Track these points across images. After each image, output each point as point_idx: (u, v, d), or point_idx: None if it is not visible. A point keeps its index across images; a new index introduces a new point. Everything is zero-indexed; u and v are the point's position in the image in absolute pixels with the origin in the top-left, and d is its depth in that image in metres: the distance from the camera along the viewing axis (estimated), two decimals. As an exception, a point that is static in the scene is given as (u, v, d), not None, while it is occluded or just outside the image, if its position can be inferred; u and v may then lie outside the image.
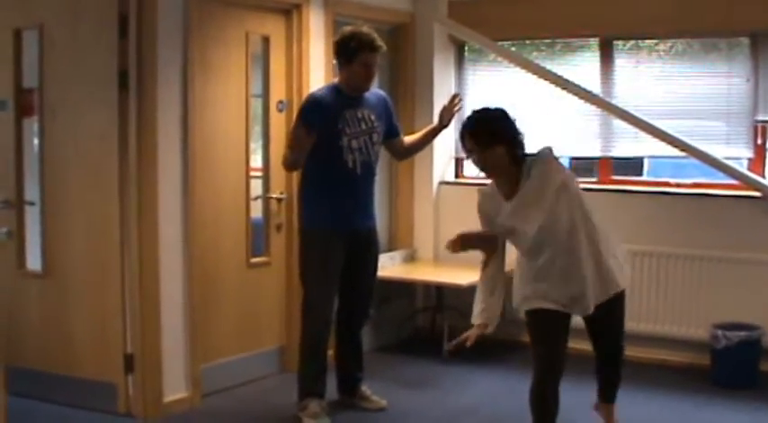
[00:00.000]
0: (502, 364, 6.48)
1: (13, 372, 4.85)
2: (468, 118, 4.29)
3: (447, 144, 7.14)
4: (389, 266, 6.84)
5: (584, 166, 7.47)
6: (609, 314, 4.33)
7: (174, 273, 5.43)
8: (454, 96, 5.48)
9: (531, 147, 4.23)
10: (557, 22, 6.81)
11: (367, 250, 5.47)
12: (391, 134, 5.52)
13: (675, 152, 6.36)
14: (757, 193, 6.15)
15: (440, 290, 6.89)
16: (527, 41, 7.11)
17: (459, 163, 7.40)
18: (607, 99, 6.65)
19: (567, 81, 6.64)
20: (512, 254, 4.36)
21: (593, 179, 6.94)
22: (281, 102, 6.14)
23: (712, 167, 6.30)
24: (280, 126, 6.11)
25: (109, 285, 5.31)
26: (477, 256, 4.38)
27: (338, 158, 5.19)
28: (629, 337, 4.67)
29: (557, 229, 4.09)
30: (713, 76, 6.43)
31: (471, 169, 4.32)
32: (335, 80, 5.42)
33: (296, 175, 5.66)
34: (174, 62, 5.35)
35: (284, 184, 6.09)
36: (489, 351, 6.58)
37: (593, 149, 6.89)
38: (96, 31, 5.23)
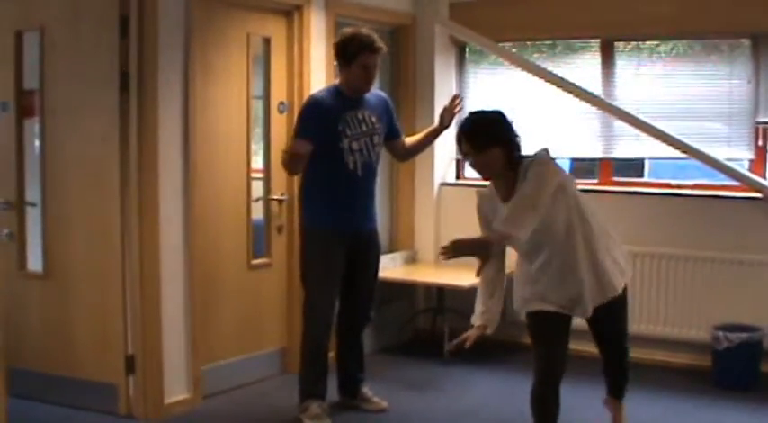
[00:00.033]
0: (503, 365, 6.48)
1: (13, 373, 4.85)
2: (465, 120, 4.29)
3: (448, 145, 7.13)
4: (390, 268, 6.84)
5: (585, 167, 7.47)
6: (609, 316, 4.32)
7: (175, 274, 5.43)
8: (455, 97, 5.48)
9: (531, 148, 4.22)
10: (558, 24, 6.81)
11: (368, 251, 5.47)
12: (392, 135, 5.52)
13: (676, 153, 6.37)
14: (758, 195, 6.15)
15: (441, 291, 6.88)
16: (528, 43, 7.10)
17: (460, 164, 7.39)
18: (608, 100, 6.65)
19: (567, 82, 6.64)
20: (512, 255, 4.36)
21: (595, 180, 6.94)
22: (282, 103, 6.14)
23: (713, 169, 6.30)
24: (281, 127, 6.11)
25: (110, 286, 5.31)
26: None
27: (339, 160, 5.19)
28: (630, 339, 4.67)
29: (554, 231, 4.09)
30: (714, 77, 6.43)
31: (472, 171, 4.31)
32: (336, 82, 5.41)
33: (297, 177, 5.66)
34: (174, 63, 5.35)
35: (285, 185, 6.09)
36: (490, 352, 6.58)
37: (594, 151, 6.90)
38: (97, 33, 5.24)
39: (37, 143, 5.63)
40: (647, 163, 7.47)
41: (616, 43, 6.75)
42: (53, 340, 5.54)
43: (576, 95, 6.62)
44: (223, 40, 5.73)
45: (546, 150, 4.15)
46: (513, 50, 7.06)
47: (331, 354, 5.48)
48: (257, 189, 6.08)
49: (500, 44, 6.99)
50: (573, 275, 4.12)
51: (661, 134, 6.33)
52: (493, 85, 7.22)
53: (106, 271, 5.32)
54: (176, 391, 5.46)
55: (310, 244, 5.35)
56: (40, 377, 5.52)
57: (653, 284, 6.44)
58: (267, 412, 5.59)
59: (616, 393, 4.70)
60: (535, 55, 7.04)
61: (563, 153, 7.07)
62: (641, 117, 6.42)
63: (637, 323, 6.04)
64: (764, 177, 6.24)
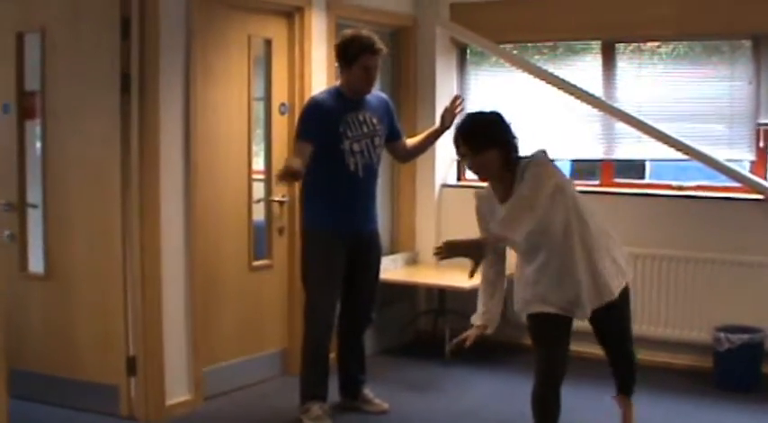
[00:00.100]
0: (504, 366, 6.48)
1: (15, 374, 4.86)
2: (462, 122, 4.30)
3: (449, 147, 7.03)
4: (391, 269, 6.84)
5: (586, 168, 7.48)
6: (610, 316, 4.31)
7: (177, 275, 5.43)
8: (456, 98, 5.47)
9: (531, 149, 4.22)
10: (559, 25, 6.81)
11: (369, 253, 5.48)
12: (393, 137, 5.52)
13: (678, 155, 6.36)
14: (759, 196, 6.15)
15: (442, 293, 6.88)
16: (529, 44, 7.10)
17: (460, 166, 7.39)
18: (609, 102, 6.65)
19: (569, 84, 6.64)
20: (512, 257, 4.36)
21: (596, 182, 6.95)
22: (283, 104, 6.15)
23: (714, 170, 6.30)
24: (282, 129, 6.12)
25: (111, 288, 5.31)
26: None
27: (340, 162, 5.19)
28: (633, 338, 4.65)
29: (552, 232, 4.08)
30: (715, 78, 6.43)
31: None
32: (337, 83, 5.42)
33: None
34: (176, 65, 5.35)
35: (286, 187, 6.09)
36: (491, 354, 6.59)
37: (595, 152, 6.90)
38: (98, 34, 5.24)
39: (38, 145, 5.63)
40: (648, 164, 7.49)
41: (617, 45, 6.75)
42: (54, 341, 5.55)
43: (577, 97, 6.63)
44: (224, 42, 5.73)
45: (543, 151, 4.14)
46: (514, 52, 7.06)
47: (332, 355, 5.48)
48: (258, 190, 6.08)
49: (501, 46, 7.00)
50: (571, 277, 4.12)
51: (662, 135, 6.33)
52: (494, 87, 7.22)
53: (107, 272, 5.32)
54: (177, 393, 5.47)
55: (311, 245, 5.35)
56: (42, 378, 5.52)
57: (654, 286, 6.44)
58: (268, 414, 5.59)
59: (624, 390, 4.70)
60: (536, 56, 7.04)
61: (564, 154, 7.08)
62: (642, 118, 6.42)
63: (638, 324, 6.02)
64: (765, 179, 6.23)
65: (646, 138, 6.45)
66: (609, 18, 6.60)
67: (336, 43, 5.36)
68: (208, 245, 5.64)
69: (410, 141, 5.69)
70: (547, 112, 6.93)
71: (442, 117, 5.47)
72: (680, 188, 6.59)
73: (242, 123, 5.88)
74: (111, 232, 5.28)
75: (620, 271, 4.28)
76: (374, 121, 5.33)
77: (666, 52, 6.67)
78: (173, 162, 5.36)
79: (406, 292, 7.11)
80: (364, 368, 5.65)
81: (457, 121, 5.48)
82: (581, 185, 6.63)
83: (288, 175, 4.94)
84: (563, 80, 6.67)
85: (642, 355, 6.06)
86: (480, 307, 4.37)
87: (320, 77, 6.23)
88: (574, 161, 7.58)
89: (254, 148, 6.04)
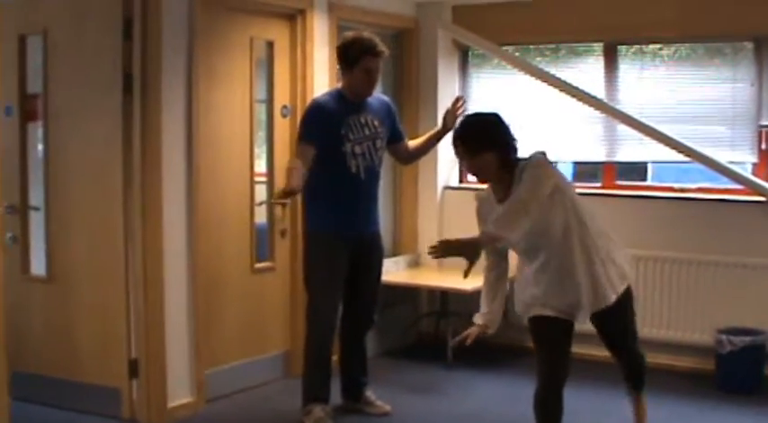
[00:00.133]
0: (506, 369, 6.47)
1: (17, 376, 4.87)
2: (460, 124, 4.30)
3: (451, 148, 7.10)
4: (394, 271, 6.84)
5: (588, 170, 7.48)
6: (611, 317, 4.29)
7: (179, 278, 5.43)
8: (458, 99, 5.46)
9: (532, 151, 4.21)
10: (561, 27, 6.81)
11: (371, 255, 5.47)
12: (395, 139, 5.52)
13: (680, 157, 6.36)
14: (762, 198, 6.14)
15: (444, 295, 6.88)
16: (531, 46, 7.10)
17: (462, 167, 7.39)
18: (611, 104, 6.65)
19: (571, 86, 6.64)
20: (513, 258, 4.36)
21: (598, 184, 6.95)
22: (285, 107, 6.15)
23: (717, 172, 6.30)
24: (284, 131, 6.12)
25: (113, 290, 5.31)
26: (479, 261, 4.38)
27: (342, 164, 5.20)
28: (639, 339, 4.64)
29: (551, 233, 4.07)
30: (717, 80, 6.43)
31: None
32: (339, 85, 5.42)
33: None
34: (178, 67, 5.35)
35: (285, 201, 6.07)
36: (494, 356, 6.59)
37: (597, 154, 6.89)
38: (100, 36, 5.25)
39: (40, 147, 5.64)
40: (650, 166, 7.48)
41: (619, 47, 6.75)
42: (56, 344, 5.55)
43: (580, 99, 6.62)
44: (226, 44, 5.74)
45: (543, 153, 4.13)
46: (516, 54, 7.06)
47: (334, 357, 5.47)
48: (260, 192, 6.09)
49: (503, 47, 7.00)
50: (570, 279, 4.10)
51: (664, 137, 6.32)
52: (496, 89, 7.22)
53: (109, 274, 5.32)
54: (179, 395, 5.46)
55: (314, 247, 5.35)
56: (43, 381, 5.52)
57: (656, 288, 6.43)
58: (270, 416, 5.59)
59: (633, 386, 4.68)
60: (538, 58, 7.04)
61: (566, 157, 7.08)
62: (644, 120, 6.41)
63: (640, 327, 5.94)
64: (767, 181, 6.23)
65: (648, 140, 6.45)
66: (611, 20, 6.60)
67: (338, 45, 5.36)
68: (210, 247, 5.64)
69: (412, 143, 5.68)
70: (549, 114, 6.93)
71: (444, 118, 5.47)
72: (682, 190, 6.59)
73: (244, 125, 5.88)
74: (113, 234, 5.29)
75: (621, 273, 4.26)
76: (376, 123, 5.33)
77: (668, 54, 6.67)
78: (175, 164, 5.36)
79: (408, 294, 7.11)
80: (366, 370, 5.65)
81: (459, 122, 5.49)
82: (583, 188, 6.67)
83: (287, 195, 4.97)
84: (565, 82, 6.67)
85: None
86: (483, 307, 4.38)
87: (322, 80, 6.23)
88: (576, 163, 7.58)
89: (257, 150, 6.04)
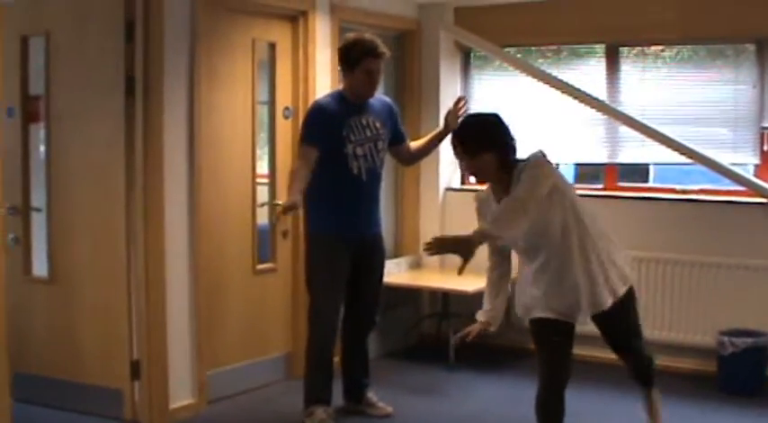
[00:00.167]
0: (508, 371, 6.47)
1: (18, 378, 4.87)
2: (459, 125, 4.30)
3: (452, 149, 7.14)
4: (395, 273, 6.84)
5: (590, 172, 7.48)
6: (614, 318, 4.28)
7: (181, 279, 5.43)
8: (459, 99, 5.44)
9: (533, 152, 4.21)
10: (563, 29, 6.82)
11: (373, 256, 5.48)
12: (397, 140, 5.52)
13: (681, 158, 6.36)
14: (763, 200, 6.14)
15: (446, 296, 6.88)
16: (533, 48, 7.10)
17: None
18: (613, 105, 6.65)
19: (572, 87, 6.64)
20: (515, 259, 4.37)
21: (600, 186, 6.95)
22: (287, 108, 6.15)
23: (718, 174, 6.30)
24: (286, 133, 6.12)
25: (115, 291, 5.31)
26: (482, 262, 4.39)
27: (343, 166, 5.20)
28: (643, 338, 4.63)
29: (550, 233, 4.07)
30: (719, 82, 6.43)
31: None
32: (340, 87, 5.42)
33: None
34: (180, 68, 5.36)
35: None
36: (495, 358, 6.60)
37: (599, 156, 6.89)
38: (102, 38, 5.25)
39: (42, 148, 5.65)
40: (652, 168, 7.47)
41: (621, 48, 6.75)
42: (58, 345, 5.55)
43: (581, 101, 6.62)
44: (228, 46, 5.74)
45: (541, 153, 4.12)
46: (518, 56, 7.06)
47: (336, 359, 5.47)
48: (262, 194, 6.09)
49: (505, 49, 7.00)
50: (569, 279, 4.09)
51: (666, 139, 6.32)
52: (498, 91, 7.22)
53: (111, 275, 5.33)
54: (181, 397, 5.47)
55: (315, 249, 5.35)
56: (45, 382, 5.53)
57: (658, 290, 6.43)
58: (272, 418, 5.60)
59: (642, 383, 4.67)
60: (540, 60, 7.04)
61: (568, 158, 7.08)
62: (646, 122, 6.41)
63: (642, 328, 6.03)
64: (770, 182, 6.24)
65: (650, 141, 6.45)
66: (613, 22, 6.60)
67: (339, 47, 5.37)
68: (212, 248, 5.64)
69: (414, 144, 5.68)
70: (551, 115, 6.93)
71: (446, 119, 5.45)
72: (684, 192, 6.58)
73: (246, 127, 5.88)
74: (115, 235, 5.29)
75: (622, 275, 4.26)
76: (377, 124, 5.33)
77: (670, 56, 6.67)
78: (177, 165, 5.37)
79: (409, 295, 7.11)
80: (368, 372, 5.65)
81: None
82: (585, 189, 6.68)
83: (290, 210, 4.99)
84: (567, 84, 6.67)
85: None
86: (485, 305, 4.39)
87: (324, 81, 6.23)
88: (577, 165, 7.58)
89: (258, 151, 6.04)
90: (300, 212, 5.38)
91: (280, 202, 5.97)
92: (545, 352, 4.21)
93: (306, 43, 6.15)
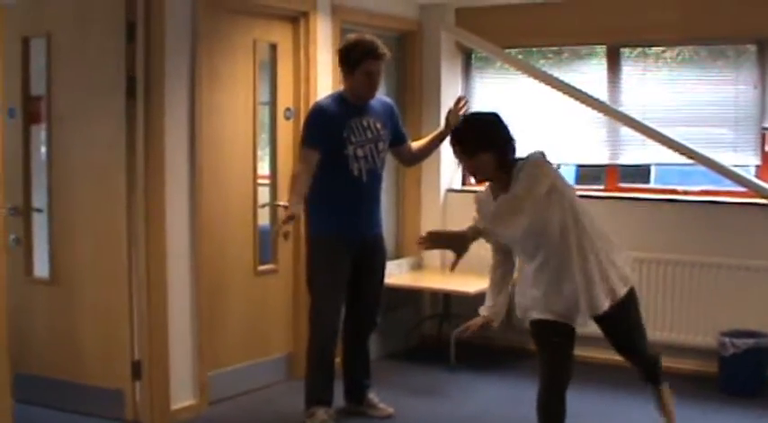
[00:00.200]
0: (509, 372, 6.47)
1: (20, 378, 4.87)
2: (458, 125, 4.30)
3: (454, 151, 7.14)
4: (396, 274, 6.84)
5: (591, 173, 7.47)
6: (615, 319, 4.27)
7: (182, 280, 5.44)
8: (459, 98, 5.43)
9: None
10: (564, 30, 6.82)
11: (374, 257, 5.48)
12: (398, 141, 5.52)
13: (683, 159, 6.35)
14: (765, 201, 6.14)
15: (447, 297, 6.88)
16: (534, 49, 7.10)
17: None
18: (614, 106, 6.65)
19: (574, 89, 6.64)
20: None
21: (601, 187, 6.95)
22: (288, 109, 6.15)
23: (719, 175, 6.30)
24: (287, 133, 6.12)
25: (116, 292, 5.32)
26: (483, 263, 4.39)
27: (344, 167, 5.20)
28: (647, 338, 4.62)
29: (549, 232, 4.07)
30: (720, 83, 6.43)
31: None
32: (341, 88, 5.41)
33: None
34: (181, 69, 5.36)
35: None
36: (496, 359, 6.60)
37: (600, 157, 6.89)
38: (104, 38, 5.25)
39: (43, 149, 5.65)
40: (653, 169, 7.48)
41: (622, 49, 6.76)
42: (59, 346, 5.55)
43: (583, 102, 6.62)
44: (229, 46, 5.74)
45: (541, 152, 4.12)
46: (520, 57, 7.06)
47: (337, 360, 5.47)
48: (263, 195, 6.09)
49: (506, 50, 7.00)
50: (568, 279, 4.09)
51: (667, 140, 6.32)
52: (499, 92, 7.22)
53: (112, 276, 5.33)
54: (182, 397, 5.47)
55: (316, 250, 5.35)
56: (46, 382, 5.53)
57: (659, 290, 6.43)
58: (273, 418, 5.60)
59: (651, 382, 4.67)
60: (541, 61, 7.05)
61: (569, 159, 7.08)
62: (647, 123, 6.41)
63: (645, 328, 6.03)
64: (771, 183, 6.23)
65: (651, 142, 6.45)
66: (614, 23, 6.60)
67: (339, 48, 5.37)
68: (213, 249, 5.64)
69: (415, 144, 5.68)
70: (552, 116, 6.93)
71: (447, 118, 5.44)
72: (685, 193, 6.59)
73: (247, 128, 5.89)
74: (117, 236, 5.29)
75: (623, 276, 4.24)
76: (378, 126, 5.33)
77: (671, 57, 6.67)
78: (178, 166, 5.37)
79: (411, 296, 7.11)
80: (369, 373, 5.65)
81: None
82: (586, 190, 6.68)
83: (290, 220, 4.99)
84: (568, 85, 6.67)
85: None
86: (487, 301, 4.40)
87: (325, 82, 6.24)
88: (579, 166, 7.58)
89: (260, 152, 6.05)
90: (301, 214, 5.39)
91: (281, 203, 6.00)
92: (546, 353, 4.20)
93: (307, 44, 6.16)
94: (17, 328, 4.99)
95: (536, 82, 6.82)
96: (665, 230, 6.45)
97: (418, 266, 7.25)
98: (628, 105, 6.66)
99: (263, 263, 6.06)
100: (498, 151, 4.12)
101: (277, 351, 6.21)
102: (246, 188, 5.92)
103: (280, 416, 5.61)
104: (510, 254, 4.36)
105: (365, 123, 5.27)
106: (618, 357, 4.56)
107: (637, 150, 6.71)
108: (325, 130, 5.17)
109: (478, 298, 4.56)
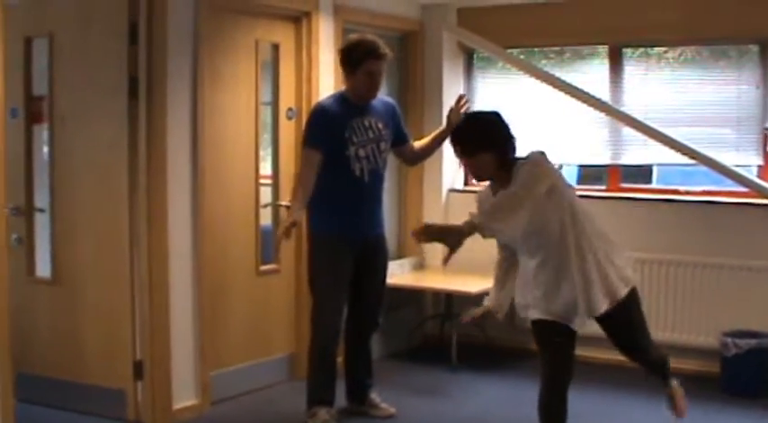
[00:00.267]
0: (510, 372, 6.47)
1: (22, 378, 4.87)
2: (458, 124, 4.30)
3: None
4: (398, 274, 6.84)
5: (593, 173, 7.48)
6: (616, 320, 4.25)
7: (184, 280, 5.44)
8: (460, 97, 5.41)
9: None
10: (566, 30, 6.82)
11: (375, 257, 5.47)
12: (400, 140, 5.52)
13: (685, 159, 6.36)
14: (766, 201, 6.13)
15: (449, 297, 6.88)
16: (536, 49, 7.10)
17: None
18: (616, 107, 6.65)
19: (576, 89, 6.64)
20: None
21: (603, 187, 6.94)
22: (290, 109, 6.16)
23: (721, 175, 6.29)
24: (289, 133, 6.13)
25: (118, 292, 5.32)
26: (484, 263, 4.40)
27: (346, 167, 5.20)
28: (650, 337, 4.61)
29: (549, 231, 4.07)
30: (722, 83, 6.43)
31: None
32: (343, 88, 5.41)
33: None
34: (183, 69, 5.36)
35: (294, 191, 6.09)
36: (498, 359, 6.59)
37: (602, 157, 6.89)
38: (106, 39, 5.25)
39: (46, 149, 5.65)
40: (655, 169, 7.48)
41: (624, 49, 6.76)
42: (61, 345, 5.55)
43: (584, 102, 6.62)
44: (232, 47, 5.75)
45: (541, 152, 4.11)
46: (521, 57, 7.06)
47: (339, 360, 5.47)
48: (266, 195, 6.09)
49: (508, 50, 7.00)
50: (567, 279, 4.08)
51: (669, 140, 6.32)
52: (501, 92, 7.22)
53: (115, 277, 5.33)
54: (184, 397, 5.47)
55: (318, 251, 5.35)
56: (48, 382, 5.53)
57: (661, 291, 6.43)
58: (275, 418, 5.60)
59: (660, 378, 4.67)
60: (543, 61, 7.05)
61: (571, 160, 7.08)
62: (649, 123, 6.41)
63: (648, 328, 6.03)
64: (773, 183, 6.23)
65: (653, 142, 6.45)
66: (616, 23, 6.60)
67: (340, 48, 5.37)
68: (215, 249, 5.64)
69: (417, 144, 5.67)
70: (554, 116, 6.93)
71: (448, 117, 5.43)
72: (687, 193, 6.58)
73: (249, 128, 5.89)
74: (119, 236, 5.29)
75: (623, 276, 4.23)
76: (380, 126, 5.33)
77: (673, 57, 6.67)
78: (180, 166, 5.37)
79: (413, 296, 7.11)
80: (371, 373, 5.65)
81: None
82: (588, 191, 6.68)
83: (293, 227, 4.99)
84: (570, 85, 6.67)
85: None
86: (492, 293, 4.44)
87: (327, 82, 6.24)
88: (581, 166, 7.58)
89: (262, 152, 6.05)
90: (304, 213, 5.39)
91: (283, 203, 6.01)
92: (547, 353, 4.20)
93: (309, 44, 6.16)
94: (19, 327, 4.99)
95: (538, 82, 6.82)
96: (666, 231, 6.45)
97: (420, 266, 7.25)
98: (630, 105, 6.66)
99: (264, 263, 6.06)
100: (499, 151, 4.12)
101: (279, 351, 6.21)
102: (248, 188, 5.92)
103: (281, 416, 5.62)
104: (514, 253, 4.36)
105: (367, 123, 5.27)
106: (620, 357, 4.56)
107: (638, 151, 6.71)
108: (327, 131, 5.17)
109: (480, 298, 4.56)
